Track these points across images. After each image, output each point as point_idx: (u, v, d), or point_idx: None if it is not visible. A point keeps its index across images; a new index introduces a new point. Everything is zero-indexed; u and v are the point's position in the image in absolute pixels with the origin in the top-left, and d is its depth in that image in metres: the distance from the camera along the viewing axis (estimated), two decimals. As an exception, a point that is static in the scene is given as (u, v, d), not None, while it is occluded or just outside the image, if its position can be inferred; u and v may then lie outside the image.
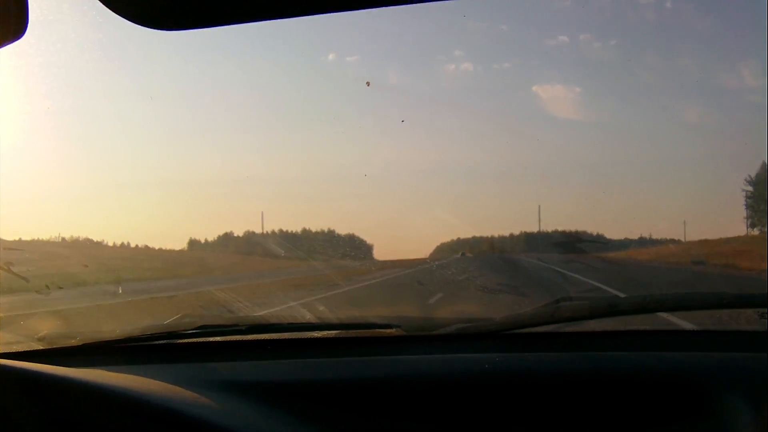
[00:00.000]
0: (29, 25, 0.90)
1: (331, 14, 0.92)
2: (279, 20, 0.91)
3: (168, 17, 0.90)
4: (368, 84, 14.44)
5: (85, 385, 1.21)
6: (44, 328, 1.84)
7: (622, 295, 3.48)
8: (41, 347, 1.64)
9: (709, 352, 1.49)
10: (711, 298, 1.85)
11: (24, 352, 1.61)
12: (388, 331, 1.66)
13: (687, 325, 2.43)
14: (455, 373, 1.44)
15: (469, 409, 1.36)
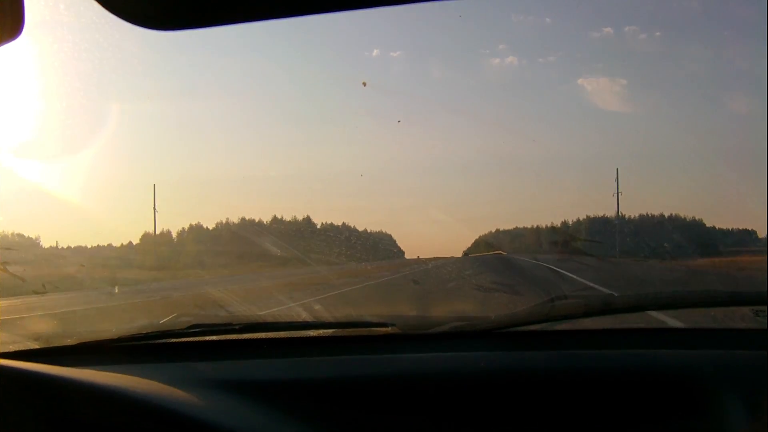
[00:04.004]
0: (25, 25, 0.90)
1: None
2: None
3: (165, 17, 0.89)
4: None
5: (80, 385, 1.21)
6: (40, 327, 1.84)
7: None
8: (37, 347, 1.64)
9: (705, 350, 1.49)
10: (706, 296, 1.86)
11: (20, 351, 1.61)
12: (384, 329, 1.66)
13: (682, 323, 2.44)
14: (451, 371, 1.45)
15: (464, 407, 1.37)
